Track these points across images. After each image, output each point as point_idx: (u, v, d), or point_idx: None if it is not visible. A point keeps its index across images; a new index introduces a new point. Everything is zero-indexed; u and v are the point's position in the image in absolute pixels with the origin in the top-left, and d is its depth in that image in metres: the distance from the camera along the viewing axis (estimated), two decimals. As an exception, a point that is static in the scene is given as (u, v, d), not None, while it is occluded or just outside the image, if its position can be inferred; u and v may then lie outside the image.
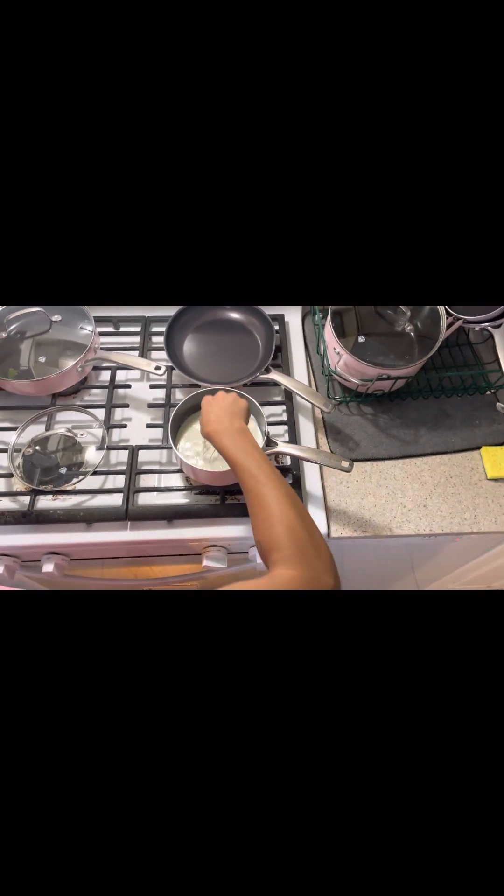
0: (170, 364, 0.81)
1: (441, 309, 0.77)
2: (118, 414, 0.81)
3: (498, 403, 0.84)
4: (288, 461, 0.76)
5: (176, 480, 0.76)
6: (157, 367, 0.77)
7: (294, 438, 0.79)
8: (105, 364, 0.83)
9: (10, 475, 0.73)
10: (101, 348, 0.83)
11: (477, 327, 0.81)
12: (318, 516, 0.73)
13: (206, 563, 0.74)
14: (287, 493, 0.50)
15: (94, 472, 0.73)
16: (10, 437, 0.76)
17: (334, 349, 0.78)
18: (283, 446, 0.68)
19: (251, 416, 0.74)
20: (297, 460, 0.75)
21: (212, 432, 0.59)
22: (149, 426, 0.79)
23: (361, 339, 0.76)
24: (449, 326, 0.78)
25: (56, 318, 0.81)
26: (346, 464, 0.66)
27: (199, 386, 0.79)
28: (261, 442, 0.70)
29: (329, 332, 0.79)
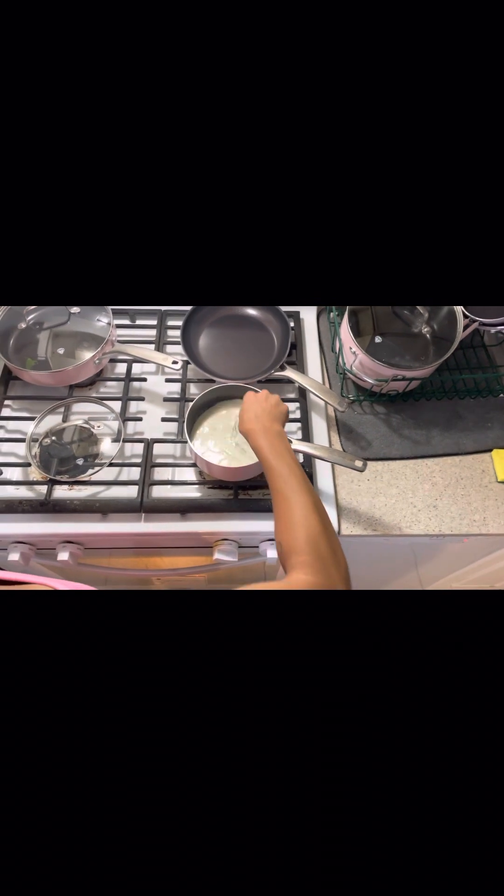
0: (185, 358, 0.82)
1: (458, 311, 0.77)
2: (133, 407, 0.82)
3: (511, 406, 0.84)
4: (301, 458, 0.77)
5: (190, 474, 0.77)
6: (174, 362, 0.78)
7: (307, 436, 0.80)
8: (121, 356, 0.83)
9: (28, 464, 0.74)
10: (118, 341, 0.84)
11: (493, 330, 0.81)
12: (329, 514, 0.74)
13: (217, 556, 0.75)
14: (314, 502, 0.51)
15: (110, 464, 0.74)
16: (28, 427, 0.77)
17: (350, 348, 0.78)
18: (297, 444, 0.69)
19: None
20: (309, 458, 0.76)
21: (250, 430, 0.60)
22: (164, 420, 0.80)
23: (378, 339, 0.77)
24: (465, 328, 0.78)
25: (75, 310, 0.82)
26: (359, 463, 0.67)
27: (213, 381, 0.80)
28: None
29: (345, 331, 0.79)
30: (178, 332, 0.85)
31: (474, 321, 0.80)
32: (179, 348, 0.83)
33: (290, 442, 0.69)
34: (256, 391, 0.66)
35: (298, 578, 0.45)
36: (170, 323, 0.90)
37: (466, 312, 0.78)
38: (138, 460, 0.76)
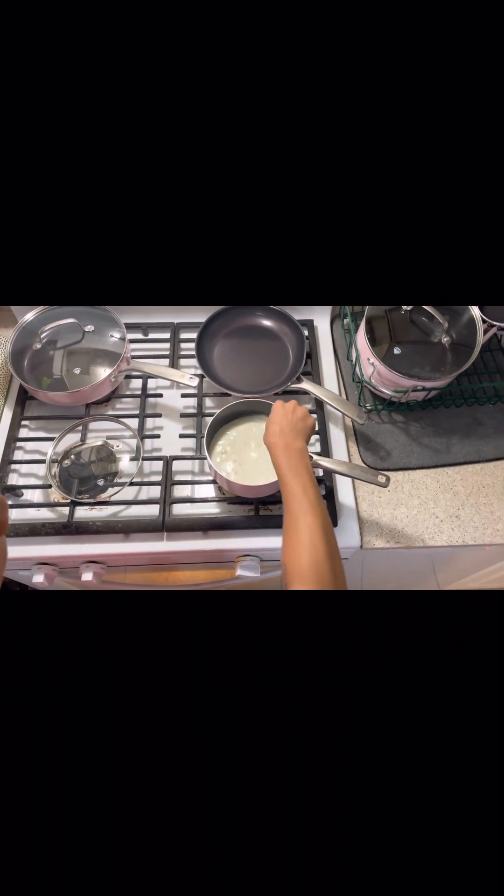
0: (200, 372, 0.81)
1: (478, 318, 0.76)
2: (150, 423, 0.82)
3: (531, 411, 0.83)
4: (321, 472, 0.76)
5: (209, 491, 0.77)
6: (191, 378, 0.77)
7: (325, 447, 0.79)
8: (135, 372, 0.83)
9: (49, 486, 0.74)
10: (133, 357, 0.84)
11: (512, 334, 0.79)
12: (351, 527, 0.74)
13: (239, 572, 0.75)
14: (324, 526, 0.51)
15: (131, 483, 0.74)
16: (47, 447, 0.77)
17: (368, 359, 0.77)
18: (319, 459, 0.69)
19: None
20: (330, 472, 0.76)
21: (272, 444, 0.60)
22: (181, 436, 0.80)
23: (397, 350, 0.76)
24: (484, 333, 0.77)
25: (89, 328, 0.81)
26: (382, 479, 0.66)
27: (229, 395, 0.80)
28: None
29: (362, 341, 0.78)
30: (191, 345, 0.84)
31: (493, 326, 0.78)
32: (193, 361, 0.83)
33: (311, 457, 0.69)
34: (285, 402, 0.66)
35: None
36: (183, 336, 0.89)
37: (485, 318, 0.77)
38: (158, 478, 0.76)
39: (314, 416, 0.65)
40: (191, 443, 0.80)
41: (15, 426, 0.80)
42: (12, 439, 0.78)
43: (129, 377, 0.86)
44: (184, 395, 0.84)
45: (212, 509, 0.75)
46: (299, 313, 0.89)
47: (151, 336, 0.90)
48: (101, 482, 0.75)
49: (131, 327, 0.88)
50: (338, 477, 0.77)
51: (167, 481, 0.75)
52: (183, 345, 0.89)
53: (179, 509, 0.75)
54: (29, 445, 0.79)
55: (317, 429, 0.80)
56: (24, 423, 0.81)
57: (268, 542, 0.73)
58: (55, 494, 0.75)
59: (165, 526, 0.72)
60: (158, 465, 0.78)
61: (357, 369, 0.82)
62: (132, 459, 0.77)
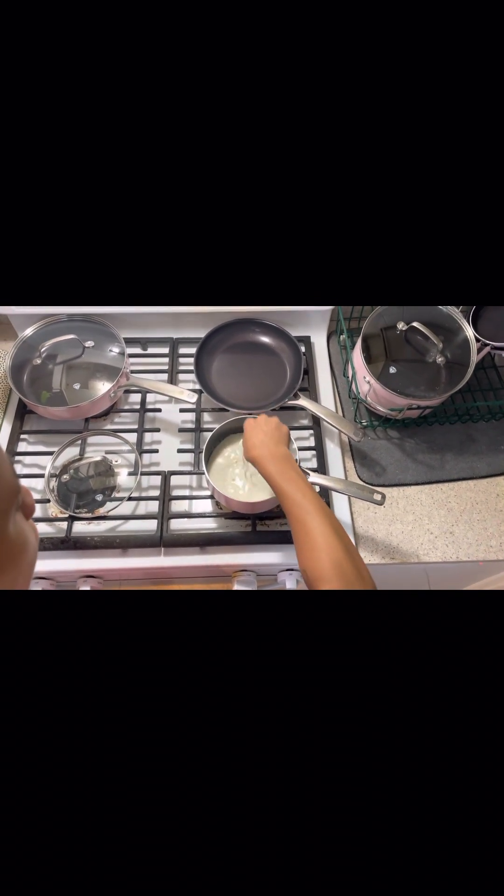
0: (198, 387, 0.82)
1: (471, 337, 0.77)
2: (148, 438, 0.83)
3: (524, 429, 0.85)
4: (317, 489, 0.77)
5: (206, 505, 0.77)
6: (190, 394, 0.78)
7: (322, 464, 0.80)
8: (134, 387, 0.84)
9: (47, 500, 0.75)
10: (133, 371, 0.84)
11: (505, 354, 0.81)
12: (346, 543, 0.75)
13: (236, 587, 0.76)
14: (331, 524, 0.51)
15: (129, 498, 0.75)
16: (45, 461, 0.78)
17: (364, 377, 0.78)
18: (315, 477, 0.70)
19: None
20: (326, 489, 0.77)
21: (257, 457, 0.61)
22: (180, 451, 0.80)
23: (392, 369, 0.77)
24: (477, 353, 0.78)
25: (89, 343, 0.82)
26: (378, 497, 0.67)
27: (228, 410, 0.81)
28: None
29: (358, 359, 0.80)
30: (190, 360, 0.85)
31: (486, 345, 0.80)
32: (192, 376, 0.84)
33: (308, 475, 0.70)
34: (254, 417, 0.67)
35: None
36: (182, 351, 0.90)
37: (478, 336, 0.79)
38: (156, 493, 0.77)
39: (301, 431, 0.66)
40: (189, 458, 0.81)
41: (14, 440, 0.80)
42: (11, 453, 0.79)
43: (128, 391, 0.86)
44: (182, 410, 0.84)
45: (209, 524, 0.76)
46: (296, 329, 0.91)
47: (150, 350, 0.91)
48: (99, 497, 0.75)
49: (130, 342, 0.89)
50: (334, 493, 0.78)
51: (165, 496, 0.76)
52: (182, 359, 0.90)
53: (177, 524, 0.75)
54: (27, 459, 0.80)
55: (305, 444, 0.81)
56: (22, 436, 0.81)
57: (265, 557, 0.74)
58: (53, 509, 0.75)
59: (163, 541, 0.73)
60: (157, 480, 0.78)
61: (353, 387, 0.83)
62: (130, 474, 0.78)
